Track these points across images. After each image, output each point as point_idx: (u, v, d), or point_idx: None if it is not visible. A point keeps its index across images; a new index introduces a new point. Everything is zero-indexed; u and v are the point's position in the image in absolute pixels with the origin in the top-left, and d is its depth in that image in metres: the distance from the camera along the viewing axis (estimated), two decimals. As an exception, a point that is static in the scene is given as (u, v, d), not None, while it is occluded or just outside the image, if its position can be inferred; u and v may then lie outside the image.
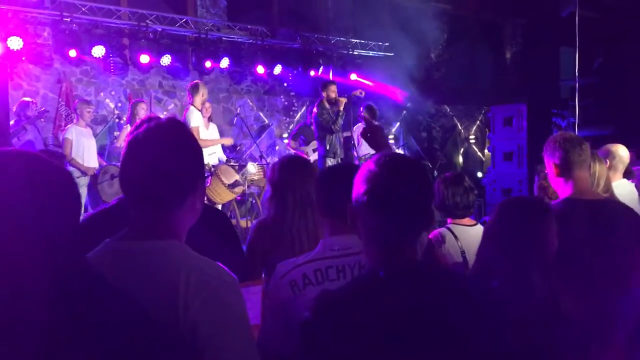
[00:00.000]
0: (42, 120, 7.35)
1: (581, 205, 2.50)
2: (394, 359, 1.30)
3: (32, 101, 7.12)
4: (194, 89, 6.81)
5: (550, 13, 9.84)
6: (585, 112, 10.00)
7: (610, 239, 2.43)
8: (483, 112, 12.06)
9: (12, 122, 6.64)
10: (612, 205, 2.66)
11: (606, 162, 3.72)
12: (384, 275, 1.40)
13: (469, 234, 2.99)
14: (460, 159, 11.88)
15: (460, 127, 12.12)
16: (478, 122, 12.32)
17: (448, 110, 12.04)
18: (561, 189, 2.62)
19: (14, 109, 6.86)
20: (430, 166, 10.97)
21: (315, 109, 7.70)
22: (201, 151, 1.42)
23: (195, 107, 6.74)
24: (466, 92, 11.78)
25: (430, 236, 3.01)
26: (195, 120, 6.64)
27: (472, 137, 12.08)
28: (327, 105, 7.63)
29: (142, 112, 7.12)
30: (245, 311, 1.29)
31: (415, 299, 1.33)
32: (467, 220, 3.10)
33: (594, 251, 2.38)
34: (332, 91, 7.67)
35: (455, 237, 2.99)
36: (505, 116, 8.45)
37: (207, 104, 7.50)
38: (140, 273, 1.23)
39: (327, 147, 7.51)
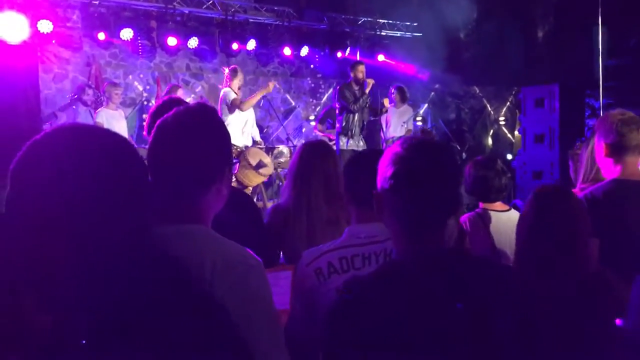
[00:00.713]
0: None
1: (632, 186, 2.43)
2: (419, 347, 1.28)
3: (89, 84, 7.25)
4: (234, 73, 6.97)
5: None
6: (619, 93, 9.74)
7: None
8: (513, 93, 11.82)
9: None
10: None
11: None
12: (410, 262, 1.38)
13: (500, 219, 2.92)
14: (490, 141, 11.70)
15: (489, 109, 11.92)
16: (508, 103, 12.09)
17: (477, 91, 11.83)
18: (609, 170, 2.53)
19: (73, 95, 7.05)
20: (459, 148, 10.84)
21: (338, 87, 7.67)
22: (229, 137, 1.41)
23: (232, 89, 6.85)
24: (496, 73, 11.53)
25: (461, 220, 2.96)
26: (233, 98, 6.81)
27: (501, 118, 11.86)
28: (354, 87, 7.57)
29: (179, 95, 7.21)
30: (270, 295, 1.29)
31: (442, 287, 1.30)
32: (499, 205, 3.03)
33: None
34: (360, 71, 7.59)
35: (487, 221, 2.93)
36: (536, 97, 8.27)
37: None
38: (167, 256, 1.22)
39: (343, 124, 7.45)
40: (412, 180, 1.35)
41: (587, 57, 12.01)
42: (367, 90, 7.51)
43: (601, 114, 8.42)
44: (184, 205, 1.31)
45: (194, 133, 1.31)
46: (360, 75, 7.56)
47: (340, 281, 1.45)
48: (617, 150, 2.46)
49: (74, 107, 6.98)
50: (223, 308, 1.14)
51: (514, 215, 2.86)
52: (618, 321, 1.82)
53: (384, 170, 1.39)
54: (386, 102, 7.74)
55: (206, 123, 1.35)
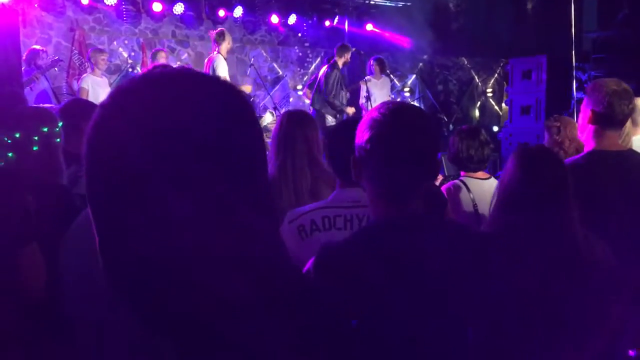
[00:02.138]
0: (55, 69, 7.30)
1: (610, 156, 2.44)
2: (394, 311, 1.29)
3: (43, 49, 7.05)
4: (220, 36, 6.73)
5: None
6: (607, 66, 9.75)
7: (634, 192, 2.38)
8: (501, 65, 11.80)
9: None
10: (636, 155, 2.60)
11: None
12: (385, 226, 1.39)
13: (482, 187, 2.98)
14: (477, 113, 11.71)
15: (477, 80, 11.90)
16: (496, 75, 12.07)
17: (465, 62, 11.79)
18: (588, 138, 2.52)
19: (23, 58, 6.78)
20: (446, 120, 10.84)
21: (327, 70, 7.65)
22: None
23: (222, 55, 6.68)
24: (485, 44, 11.49)
25: (442, 188, 3.00)
26: (223, 69, 6.58)
27: (489, 90, 11.87)
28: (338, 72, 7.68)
29: (162, 60, 7.11)
30: None
31: (418, 251, 1.32)
32: (480, 174, 3.09)
33: (626, 202, 2.33)
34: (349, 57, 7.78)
35: (468, 189, 2.97)
36: (524, 69, 8.27)
37: None
38: None
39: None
40: (387, 144, 1.36)
41: (576, 30, 11.96)
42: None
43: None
44: None
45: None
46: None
47: (322, 239, 1.46)
48: (603, 120, 2.44)
49: (35, 77, 6.64)
50: None
51: (494, 183, 2.89)
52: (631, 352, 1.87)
53: (361, 134, 1.40)
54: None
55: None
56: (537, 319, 1.81)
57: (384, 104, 1.45)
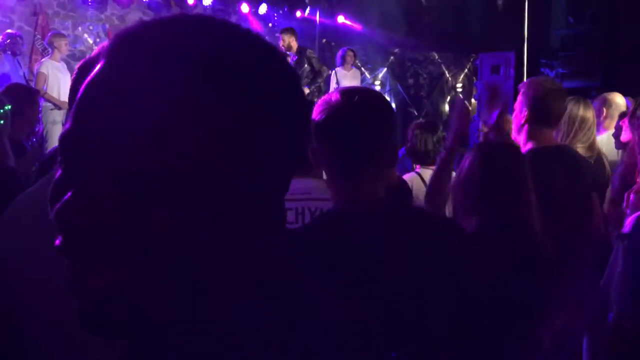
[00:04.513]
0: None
1: (548, 152, 2.43)
2: (356, 300, 1.26)
3: (18, 34, 6.87)
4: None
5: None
6: (575, 62, 9.88)
7: (575, 186, 2.40)
8: (472, 60, 11.89)
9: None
10: (573, 151, 2.62)
11: (602, 110, 3.66)
12: (344, 214, 1.35)
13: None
14: (447, 108, 11.79)
15: (447, 75, 11.97)
16: (466, 70, 12.16)
17: (436, 57, 11.84)
18: (522, 137, 2.50)
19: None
20: (416, 114, 10.88)
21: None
22: None
23: None
24: (456, 39, 11.57)
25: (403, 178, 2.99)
26: None
27: (459, 85, 11.95)
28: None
29: None
30: None
31: (381, 237, 1.28)
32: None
33: (568, 198, 2.33)
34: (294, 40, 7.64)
35: (424, 182, 2.95)
36: (492, 64, 8.33)
37: None
38: None
39: None
40: (341, 128, 1.33)
41: (544, 26, 12.12)
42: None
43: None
44: None
45: None
46: (291, 45, 7.63)
47: None
48: (539, 119, 2.42)
49: (7, 52, 6.56)
50: None
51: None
52: None
53: (316, 119, 1.37)
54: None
55: None
56: (502, 317, 1.78)
57: (340, 89, 1.42)
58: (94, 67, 0.52)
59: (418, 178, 3.01)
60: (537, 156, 2.40)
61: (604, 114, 3.65)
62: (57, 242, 0.48)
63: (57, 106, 6.59)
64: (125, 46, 0.50)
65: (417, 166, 3.11)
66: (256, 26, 9.65)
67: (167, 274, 0.47)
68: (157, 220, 0.46)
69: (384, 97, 1.54)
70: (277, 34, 9.88)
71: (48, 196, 0.50)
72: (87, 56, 2.13)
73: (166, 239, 0.46)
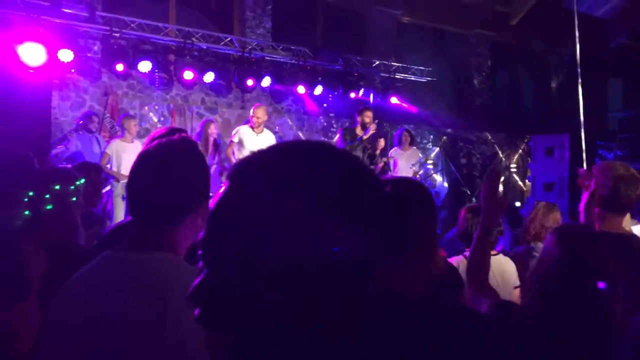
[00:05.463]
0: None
1: (613, 239, 2.38)
2: None
3: (96, 114, 7.43)
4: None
5: (599, 43, 9.64)
6: (633, 145, 9.69)
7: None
8: (525, 140, 11.84)
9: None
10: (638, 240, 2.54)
11: None
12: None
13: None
14: (500, 188, 11.66)
15: (501, 155, 11.92)
16: (520, 150, 12.10)
17: (489, 137, 11.87)
18: (591, 221, 2.48)
19: (79, 121, 7.21)
20: (469, 193, 10.80)
21: (342, 129, 7.97)
22: (207, 170, 1.44)
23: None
24: (509, 120, 11.60)
25: (450, 261, 2.96)
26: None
27: (513, 165, 11.86)
28: (358, 131, 7.76)
29: (214, 131, 7.48)
30: None
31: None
32: None
33: (628, 286, 2.26)
34: (367, 117, 7.81)
35: None
36: (546, 146, 8.28)
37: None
38: (130, 282, 1.23)
39: None
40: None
41: (600, 109, 12.03)
42: (365, 137, 7.65)
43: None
44: (156, 233, 1.32)
45: (170, 164, 1.34)
46: (367, 120, 7.72)
47: None
48: (608, 204, 2.39)
49: (80, 132, 7.09)
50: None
51: (501, 258, 2.86)
52: None
53: None
54: (381, 142, 7.79)
55: (184, 155, 1.38)
56: None
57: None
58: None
59: (465, 261, 2.97)
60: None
61: None
62: (195, 312, 0.70)
63: (116, 179, 7.00)
64: (244, 171, 0.72)
65: (467, 249, 3.06)
66: (311, 107, 10.00)
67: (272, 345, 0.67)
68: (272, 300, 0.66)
69: (422, 186, 1.54)
70: (331, 114, 10.18)
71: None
72: (151, 134, 2.29)
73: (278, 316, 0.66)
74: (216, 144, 7.65)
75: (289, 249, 0.66)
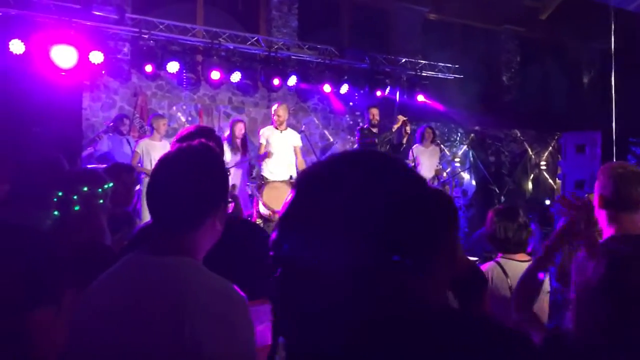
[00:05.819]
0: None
1: (632, 240, 2.33)
2: None
3: (127, 115, 7.59)
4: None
5: (632, 37, 9.43)
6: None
7: None
8: (556, 138, 11.64)
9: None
10: None
11: None
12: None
13: (520, 270, 2.83)
14: (530, 186, 11.49)
15: (531, 153, 11.74)
16: (550, 148, 11.89)
17: (519, 134, 11.70)
18: (604, 224, 2.43)
19: (110, 123, 7.38)
20: (497, 191, 10.67)
21: (358, 130, 8.13)
22: (226, 175, 1.46)
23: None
24: (539, 117, 11.41)
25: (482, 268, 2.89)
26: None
27: (543, 163, 11.67)
28: (371, 130, 7.90)
29: (240, 132, 7.54)
30: (251, 333, 1.30)
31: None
32: (520, 256, 2.93)
33: None
34: (372, 114, 8.12)
35: (505, 272, 2.84)
36: (577, 143, 8.13)
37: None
38: (149, 287, 1.26)
39: None
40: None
41: (633, 105, 11.73)
42: (394, 127, 7.80)
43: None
44: (175, 237, 1.35)
45: (189, 170, 1.37)
46: (374, 117, 8.07)
47: None
48: (612, 204, 2.36)
49: (110, 134, 7.27)
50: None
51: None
52: None
53: None
54: (399, 122, 7.93)
55: (203, 161, 1.40)
56: None
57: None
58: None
59: (498, 268, 2.89)
60: (622, 245, 2.31)
61: None
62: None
63: (147, 174, 7.12)
64: (306, 180, 0.83)
65: (499, 254, 2.97)
66: (337, 105, 10.00)
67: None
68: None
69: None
70: (357, 112, 10.17)
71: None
72: (178, 132, 2.32)
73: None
74: (244, 143, 7.71)
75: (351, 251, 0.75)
